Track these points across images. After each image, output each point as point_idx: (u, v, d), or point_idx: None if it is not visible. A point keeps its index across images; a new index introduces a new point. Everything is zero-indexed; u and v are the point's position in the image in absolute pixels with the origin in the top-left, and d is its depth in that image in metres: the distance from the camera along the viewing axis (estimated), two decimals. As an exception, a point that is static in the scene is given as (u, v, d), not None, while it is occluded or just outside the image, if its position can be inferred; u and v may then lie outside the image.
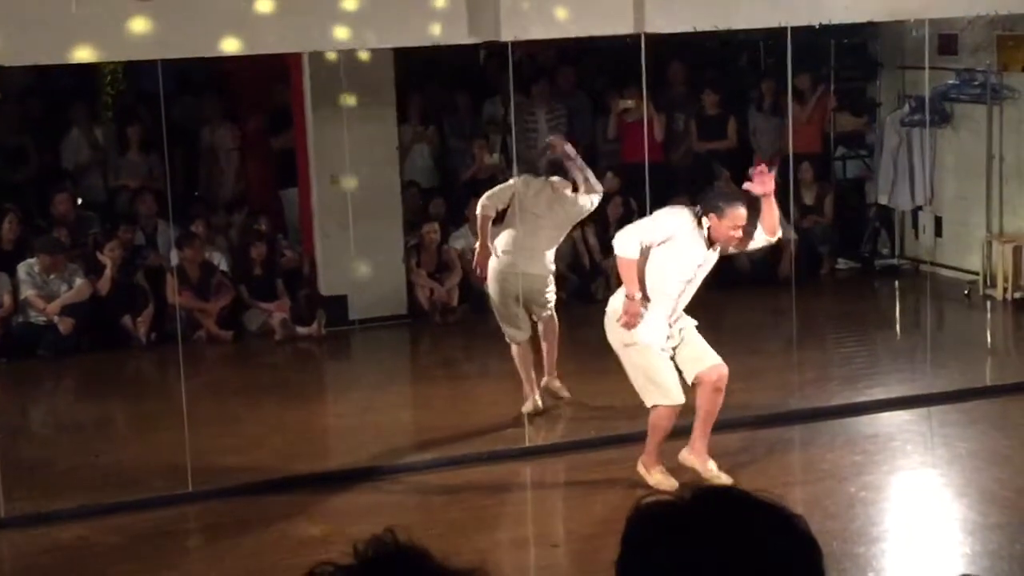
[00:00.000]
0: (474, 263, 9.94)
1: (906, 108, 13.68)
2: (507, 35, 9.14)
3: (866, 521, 7.83)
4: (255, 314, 12.55)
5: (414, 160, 13.68)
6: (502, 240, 9.57)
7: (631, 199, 12.52)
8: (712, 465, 8.23)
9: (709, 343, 8.25)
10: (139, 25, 8.39)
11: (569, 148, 9.70)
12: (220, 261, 12.68)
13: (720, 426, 8.53)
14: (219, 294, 12.44)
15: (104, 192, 13.75)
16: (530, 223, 9.48)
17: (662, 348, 8.03)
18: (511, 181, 9.71)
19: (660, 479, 8.14)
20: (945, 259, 13.60)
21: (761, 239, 8.23)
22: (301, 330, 12.40)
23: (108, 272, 12.21)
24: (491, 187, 9.93)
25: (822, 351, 11.46)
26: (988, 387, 10.27)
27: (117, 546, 7.90)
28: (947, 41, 13.12)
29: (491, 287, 9.65)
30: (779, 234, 8.36)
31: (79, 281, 12.13)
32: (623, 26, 9.26)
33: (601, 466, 8.76)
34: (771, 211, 8.11)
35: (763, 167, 8.17)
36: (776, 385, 10.31)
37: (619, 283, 8.20)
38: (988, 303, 12.86)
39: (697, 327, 8.23)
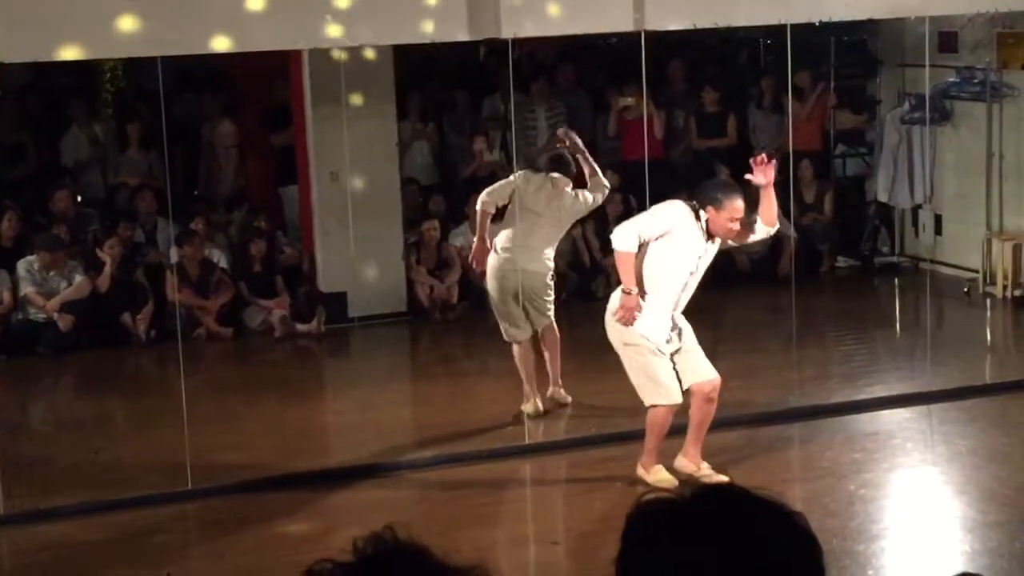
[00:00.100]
0: (471, 258, 9.93)
1: (906, 106, 13.67)
2: (507, 32, 9.13)
3: (866, 519, 7.83)
4: (255, 311, 12.54)
5: (414, 157, 13.67)
6: (502, 237, 9.57)
7: (631, 197, 12.51)
8: (706, 466, 8.27)
9: (708, 341, 8.27)
10: (131, 22, 8.35)
11: (577, 139, 9.69)
12: (220, 258, 12.67)
13: (720, 424, 8.54)
14: (219, 291, 12.44)
15: (104, 189, 13.74)
16: (530, 220, 9.47)
17: (661, 349, 8.04)
18: (511, 177, 9.70)
19: (660, 477, 8.15)
20: (945, 257, 13.59)
21: (761, 231, 8.25)
22: (301, 327, 12.40)
23: (108, 269, 12.21)
24: (491, 184, 9.92)
25: (822, 349, 11.45)
26: (988, 385, 10.27)
27: (116, 543, 7.90)
28: (947, 39, 13.12)
29: (490, 284, 9.64)
30: (777, 225, 8.39)
31: (79, 278, 12.12)
32: (623, 23, 9.26)
33: (601, 464, 8.77)
34: (770, 202, 8.15)
35: (762, 156, 8.20)
36: (776, 383, 10.31)
37: (619, 281, 8.20)
38: (988, 301, 12.85)
39: (694, 326, 8.24)
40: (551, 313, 9.69)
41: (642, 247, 7.97)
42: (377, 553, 1.90)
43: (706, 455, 8.35)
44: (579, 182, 9.71)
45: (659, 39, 9.96)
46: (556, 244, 9.77)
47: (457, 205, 13.12)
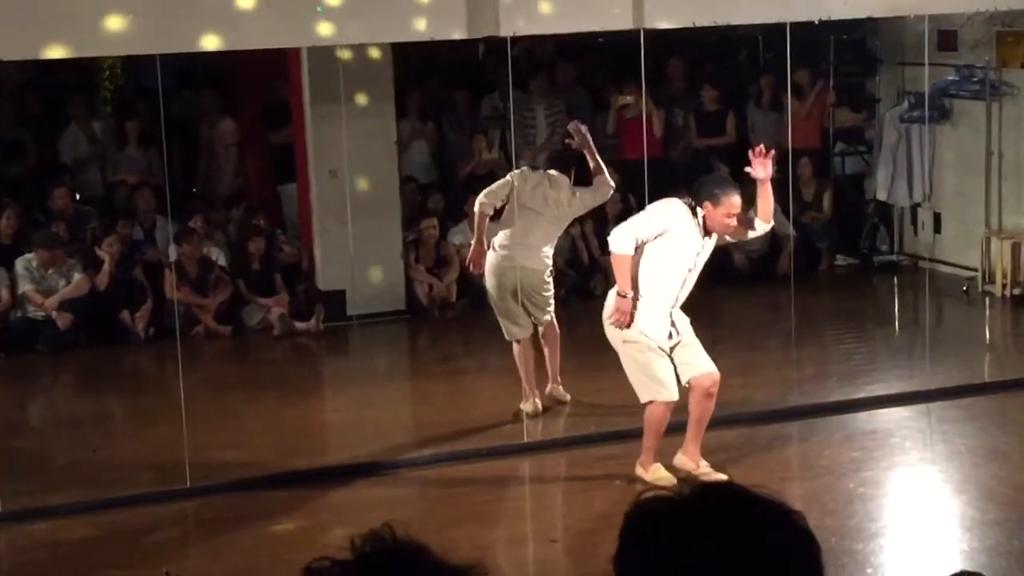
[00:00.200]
0: (468, 260, 9.91)
1: (905, 104, 13.67)
2: (505, 30, 9.13)
3: (864, 517, 7.83)
4: (253, 309, 12.54)
5: (413, 156, 13.67)
6: (500, 235, 9.55)
7: (630, 195, 12.51)
8: (705, 464, 8.27)
9: (707, 340, 8.27)
10: (119, 19, 8.32)
11: (587, 135, 9.65)
12: (219, 256, 12.67)
13: (718, 422, 8.54)
14: (217, 289, 12.43)
15: (103, 187, 13.74)
16: (528, 218, 9.46)
17: (660, 346, 8.04)
18: (508, 177, 9.67)
19: (659, 475, 8.16)
20: (944, 255, 13.59)
21: (759, 227, 8.27)
22: (299, 325, 12.39)
23: (106, 267, 12.20)
24: (490, 183, 9.91)
25: (821, 347, 11.45)
26: (987, 383, 10.27)
27: (114, 541, 7.89)
28: (946, 37, 13.11)
29: (489, 282, 9.64)
30: (772, 222, 8.40)
31: (77, 276, 12.12)
32: (623, 22, 9.25)
33: (600, 462, 8.77)
34: (767, 198, 8.17)
35: (760, 148, 8.21)
36: (775, 381, 10.32)
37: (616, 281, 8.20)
38: (987, 299, 12.85)
39: (693, 325, 8.24)
40: (551, 310, 9.69)
41: (639, 247, 7.97)
42: (375, 551, 1.90)
43: (705, 453, 8.35)
44: (586, 179, 9.69)
45: (658, 37, 9.96)
46: (555, 242, 9.76)
47: (456, 203, 13.12)
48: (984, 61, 13.05)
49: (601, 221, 12.55)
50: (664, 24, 9.48)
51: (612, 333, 8.17)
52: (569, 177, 9.62)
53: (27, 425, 10.78)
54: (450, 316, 12.70)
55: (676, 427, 8.29)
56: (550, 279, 9.68)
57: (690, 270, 8.05)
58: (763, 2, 9.73)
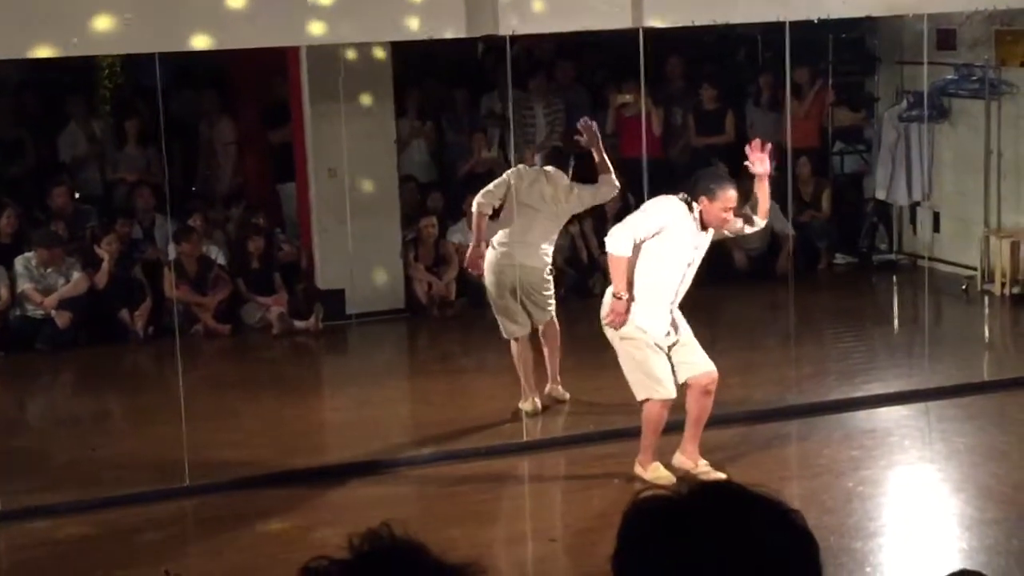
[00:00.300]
0: (465, 262, 9.89)
1: (904, 103, 13.68)
2: (504, 29, 9.13)
3: (863, 516, 7.83)
4: (252, 308, 12.54)
5: (412, 154, 13.67)
6: (500, 234, 9.54)
7: (629, 194, 12.49)
8: (703, 463, 8.27)
9: (706, 339, 8.27)
10: (107, 19, 8.30)
11: (597, 133, 9.62)
12: (218, 255, 12.67)
13: (717, 421, 8.54)
14: (216, 288, 12.43)
15: (102, 186, 13.73)
16: (527, 216, 9.44)
17: (658, 344, 8.04)
18: (504, 176, 9.65)
19: (657, 475, 8.16)
20: (943, 254, 13.59)
21: (757, 223, 8.29)
22: (299, 324, 12.39)
23: (106, 266, 12.20)
24: (489, 181, 9.88)
25: (820, 346, 11.45)
26: (986, 382, 10.27)
27: (113, 540, 7.89)
28: (945, 36, 13.11)
29: (487, 279, 9.62)
30: (768, 218, 8.43)
31: (76, 275, 12.12)
32: (622, 20, 9.25)
33: (599, 461, 8.77)
34: (765, 193, 8.20)
35: (757, 142, 8.22)
36: (774, 380, 10.32)
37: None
38: (986, 298, 12.85)
39: (692, 324, 8.24)
40: (552, 308, 9.68)
41: (637, 246, 7.97)
42: (373, 550, 1.90)
43: (703, 452, 8.35)
44: (584, 175, 9.69)
45: (657, 36, 9.95)
46: (554, 239, 9.74)
47: (455, 202, 13.11)
48: (983, 60, 13.05)
49: (600, 220, 12.54)
50: (663, 23, 9.48)
51: (610, 330, 8.17)
52: (567, 172, 9.60)
53: (26, 424, 10.78)
54: (449, 315, 12.70)
55: (675, 426, 8.29)
56: (550, 277, 9.67)
57: (689, 265, 8.06)
58: (762, 1, 9.74)
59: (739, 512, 1.92)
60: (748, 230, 8.41)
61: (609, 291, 8.12)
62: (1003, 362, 11.41)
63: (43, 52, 8.51)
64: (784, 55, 10.16)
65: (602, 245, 11.67)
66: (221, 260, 12.66)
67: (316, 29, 8.81)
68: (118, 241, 12.41)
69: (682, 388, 8.16)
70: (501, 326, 9.62)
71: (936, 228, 13.78)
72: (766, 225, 8.68)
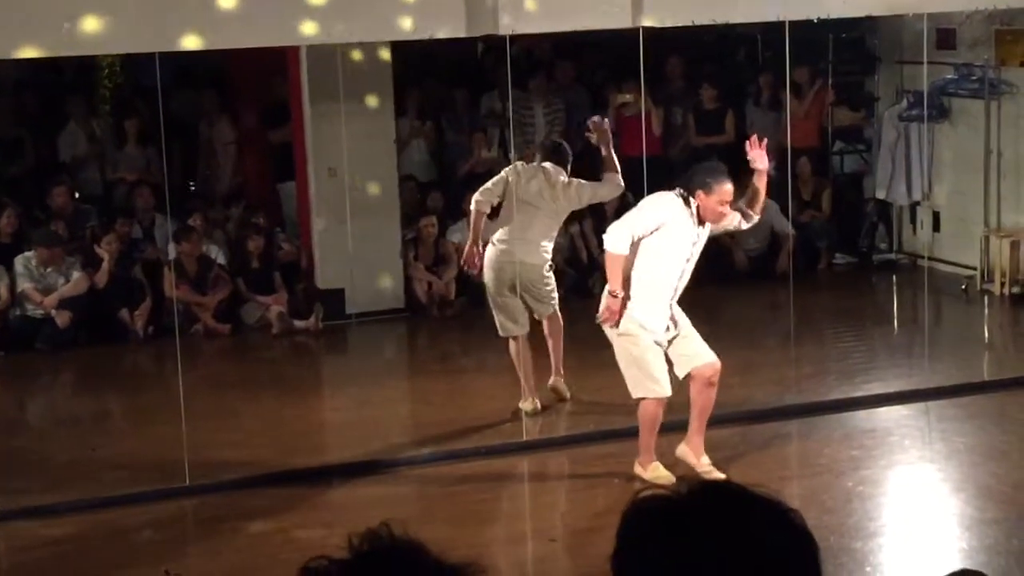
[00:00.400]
0: (463, 260, 9.88)
1: (904, 103, 13.68)
2: (504, 28, 9.12)
3: (863, 516, 7.83)
4: (252, 308, 12.54)
5: (411, 154, 13.67)
6: (500, 231, 9.53)
7: (629, 194, 12.49)
8: (706, 460, 8.25)
9: (706, 338, 8.25)
10: (96, 19, 8.28)
11: (608, 132, 9.61)
12: (218, 255, 12.67)
13: (717, 420, 8.53)
14: (216, 288, 12.43)
15: (102, 185, 13.73)
16: (527, 212, 9.44)
17: (657, 340, 8.04)
18: (502, 173, 9.63)
19: (657, 474, 8.15)
20: (943, 254, 13.59)
21: (752, 219, 8.31)
22: (298, 324, 12.39)
23: (105, 265, 12.20)
24: (488, 181, 9.88)
25: (819, 346, 11.45)
26: (985, 382, 10.27)
27: (113, 540, 7.89)
28: (945, 36, 13.11)
29: (487, 275, 9.61)
30: (761, 215, 8.49)
31: (76, 274, 12.11)
32: (622, 20, 9.25)
33: (599, 460, 8.77)
34: (762, 188, 8.24)
35: (755, 138, 8.23)
36: (773, 380, 10.32)
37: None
38: (986, 298, 12.85)
39: (693, 325, 8.24)
40: (554, 302, 9.68)
41: (635, 243, 7.97)
42: (373, 550, 1.90)
43: (703, 451, 8.34)
44: (583, 173, 9.68)
45: (657, 36, 9.95)
46: (554, 236, 9.74)
47: (455, 202, 13.11)
48: (983, 59, 13.04)
49: (600, 219, 12.52)
50: (663, 23, 9.48)
51: (607, 326, 8.17)
52: (565, 169, 9.60)
53: (26, 424, 10.78)
54: (449, 314, 12.69)
55: (675, 426, 8.29)
56: (550, 273, 9.67)
57: (687, 260, 8.06)
58: (762, 1, 9.73)
59: (739, 512, 1.92)
60: (744, 225, 8.40)
61: (606, 289, 8.12)
62: (1003, 362, 11.41)
63: (31, 52, 8.48)
64: (784, 55, 10.16)
65: (601, 245, 11.70)
66: (221, 260, 12.66)
67: (311, 29, 8.79)
68: (118, 241, 12.41)
69: (685, 381, 8.16)
70: (498, 324, 9.61)
71: (936, 228, 13.78)
72: (766, 225, 8.70)
